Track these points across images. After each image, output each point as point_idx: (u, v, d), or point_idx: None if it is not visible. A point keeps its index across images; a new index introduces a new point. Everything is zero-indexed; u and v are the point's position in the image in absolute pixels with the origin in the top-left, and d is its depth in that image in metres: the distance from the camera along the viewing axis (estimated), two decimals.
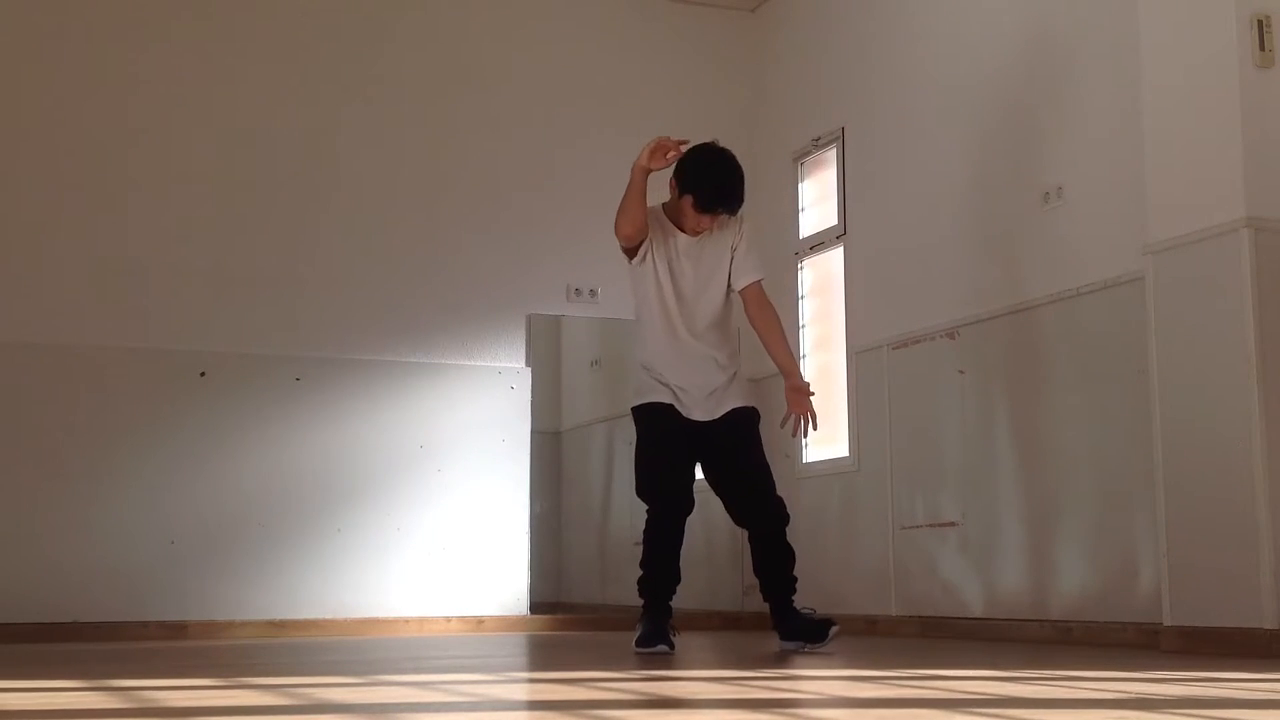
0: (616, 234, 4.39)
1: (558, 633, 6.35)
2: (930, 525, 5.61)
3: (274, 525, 6.22)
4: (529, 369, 6.74)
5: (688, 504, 4.38)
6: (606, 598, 8.36)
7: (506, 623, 6.44)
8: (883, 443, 5.93)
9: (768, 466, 4.42)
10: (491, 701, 2.79)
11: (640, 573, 4.42)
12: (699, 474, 4.50)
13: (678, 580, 4.42)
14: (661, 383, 4.38)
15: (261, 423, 6.27)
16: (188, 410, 6.17)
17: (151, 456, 6.09)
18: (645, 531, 4.40)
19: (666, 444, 4.36)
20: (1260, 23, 4.05)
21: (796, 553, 4.45)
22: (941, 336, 5.61)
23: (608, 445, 8.75)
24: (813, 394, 4.44)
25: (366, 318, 6.51)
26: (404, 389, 6.51)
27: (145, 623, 5.91)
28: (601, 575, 8.59)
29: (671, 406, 4.37)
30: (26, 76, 6.21)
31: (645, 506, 4.40)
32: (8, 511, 5.87)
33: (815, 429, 4.44)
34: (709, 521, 7.45)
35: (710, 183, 4.28)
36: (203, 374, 6.22)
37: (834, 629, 4.31)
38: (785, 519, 4.39)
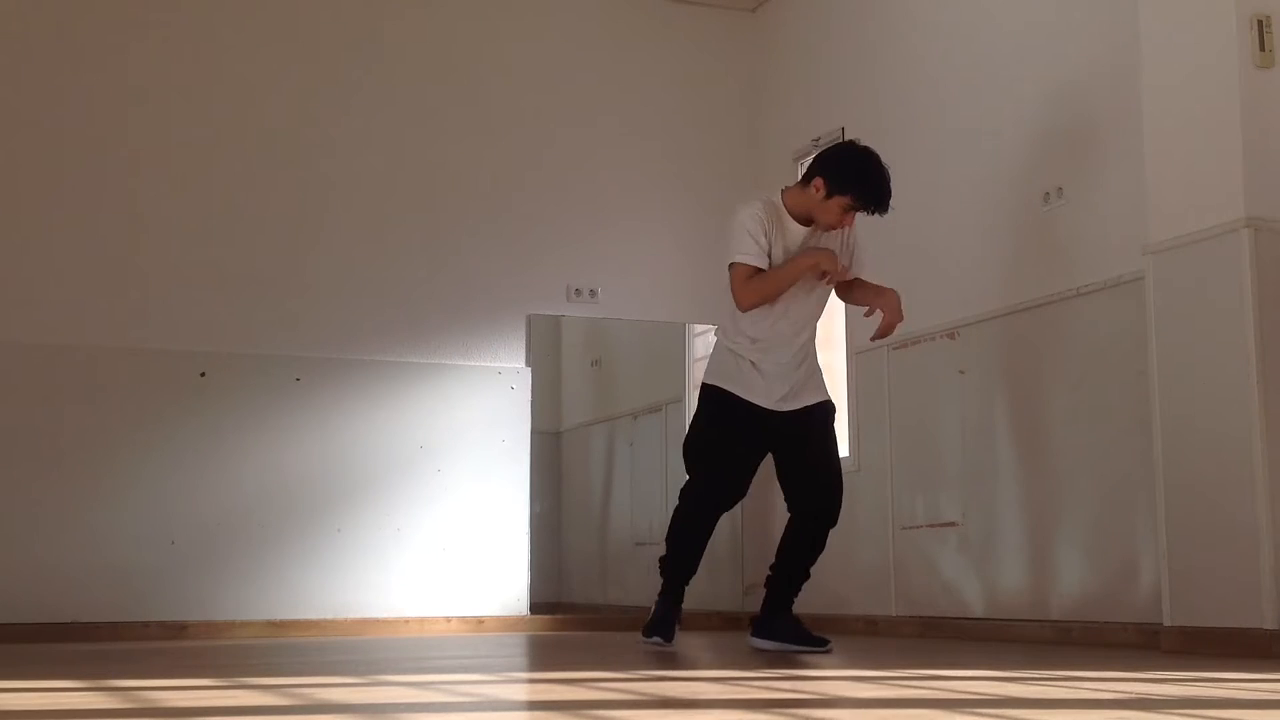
0: (740, 304, 4.34)
1: (558, 633, 6.35)
2: (930, 525, 5.61)
3: (274, 525, 6.22)
4: (529, 369, 6.74)
5: (735, 494, 4.45)
6: (607, 598, 8.36)
7: (507, 623, 6.44)
8: (883, 443, 5.93)
9: (839, 463, 4.47)
10: (491, 701, 2.79)
11: (664, 552, 4.51)
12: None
13: (694, 571, 4.48)
14: (753, 367, 4.38)
15: (261, 423, 6.27)
16: (188, 410, 6.17)
17: (152, 456, 6.09)
18: (678, 512, 4.46)
19: (732, 434, 4.41)
20: (1260, 23, 4.05)
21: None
22: (941, 336, 5.61)
23: (608, 445, 8.75)
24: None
25: (366, 318, 6.50)
26: (404, 389, 6.51)
27: (145, 623, 5.91)
28: (601, 575, 8.59)
29: (746, 401, 4.38)
30: (26, 77, 6.20)
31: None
32: (8, 511, 5.86)
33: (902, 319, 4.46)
34: None
35: (873, 184, 4.30)
36: (203, 374, 6.22)
37: (829, 645, 4.36)
38: (836, 520, 4.43)
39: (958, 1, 5.79)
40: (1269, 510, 3.86)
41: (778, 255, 4.37)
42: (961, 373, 5.49)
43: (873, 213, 4.35)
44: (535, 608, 6.65)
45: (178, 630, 5.94)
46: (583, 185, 6.95)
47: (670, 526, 4.51)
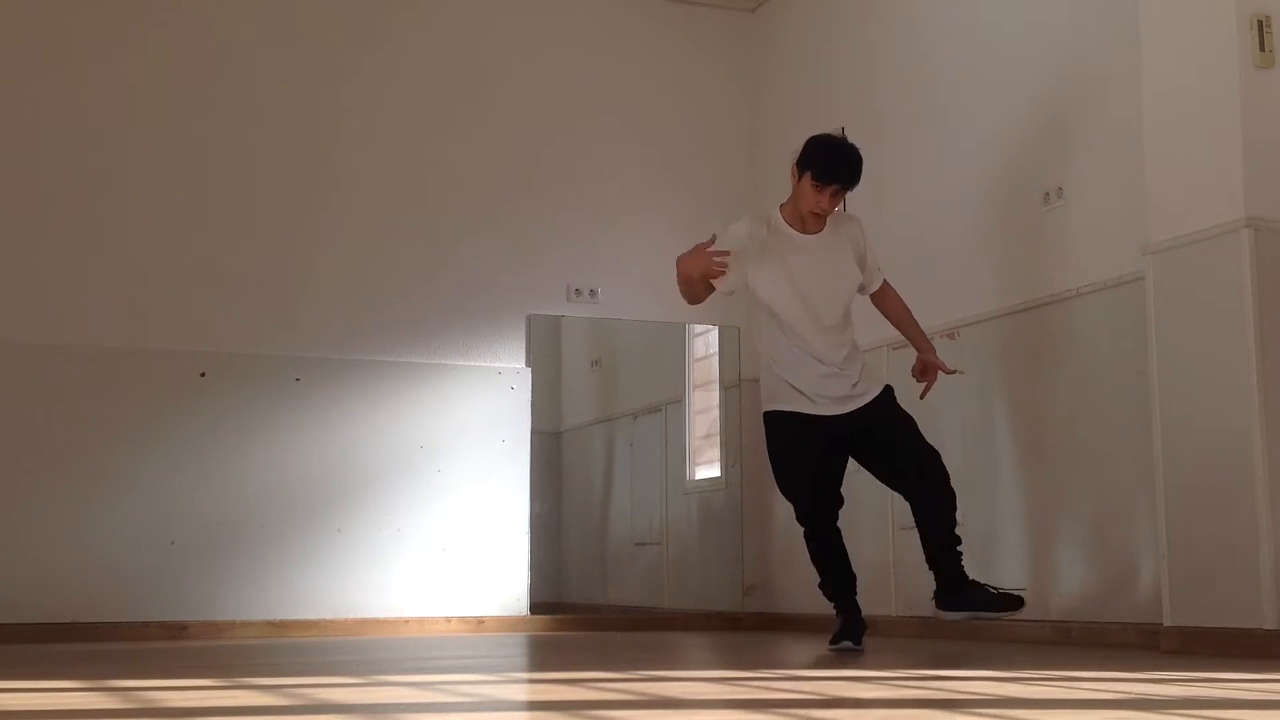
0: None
1: (558, 633, 6.35)
2: None
3: (274, 525, 6.22)
4: (529, 369, 6.74)
5: (834, 502, 4.53)
6: (607, 598, 8.37)
7: (506, 623, 6.44)
8: None
9: (917, 433, 4.50)
10: (491, 702, 2.79)
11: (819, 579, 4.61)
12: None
13: (853, 577, 4.60)
14: (793, 387, 4.46)
15: (261, 423, 6.27)
16: (188, 410, 6.17)
17: (152, 457, 6.09)
18: (805, 540, 4.56)
19: (796, 451, 4.49)
20: (1260, 23, 4.05)
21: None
22: (941, 336, 5.60)
23: (608, 445, 8.75)
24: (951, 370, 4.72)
25: (366, 318, 6.50)
26: (404, 389, 6.51)
27: (145, 623, 5.91)
28: (601, 575, 8.59)
29: (799, 413, 4.45)
30: (27, 76, 6.20)
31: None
32: (8, 512, 5.86)
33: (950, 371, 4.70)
34: (708, 521, 7.46)
35: (829, 155, 4.41)
36: (203, 374, 6.22)
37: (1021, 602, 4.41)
38: (943, 474, 4.47)
39: (958, 2, 5.79)
40: (1269, 510, 3.85)
41: (766, 257, 4.47)
42: (961, 373, 5.49)
43: (838, 185, 4.40)
44: (535, 608, 6.64)
45: (178, 630, 5.94)
46: (583, 185, 6.94)
47: (812, 561, 4.61)
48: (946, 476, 4.45)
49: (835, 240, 4.52)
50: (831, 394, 4.44)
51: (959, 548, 4.41)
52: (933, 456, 4.45)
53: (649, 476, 8.03)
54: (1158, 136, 4.31)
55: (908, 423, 4.51)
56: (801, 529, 4.58)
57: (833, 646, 4.46)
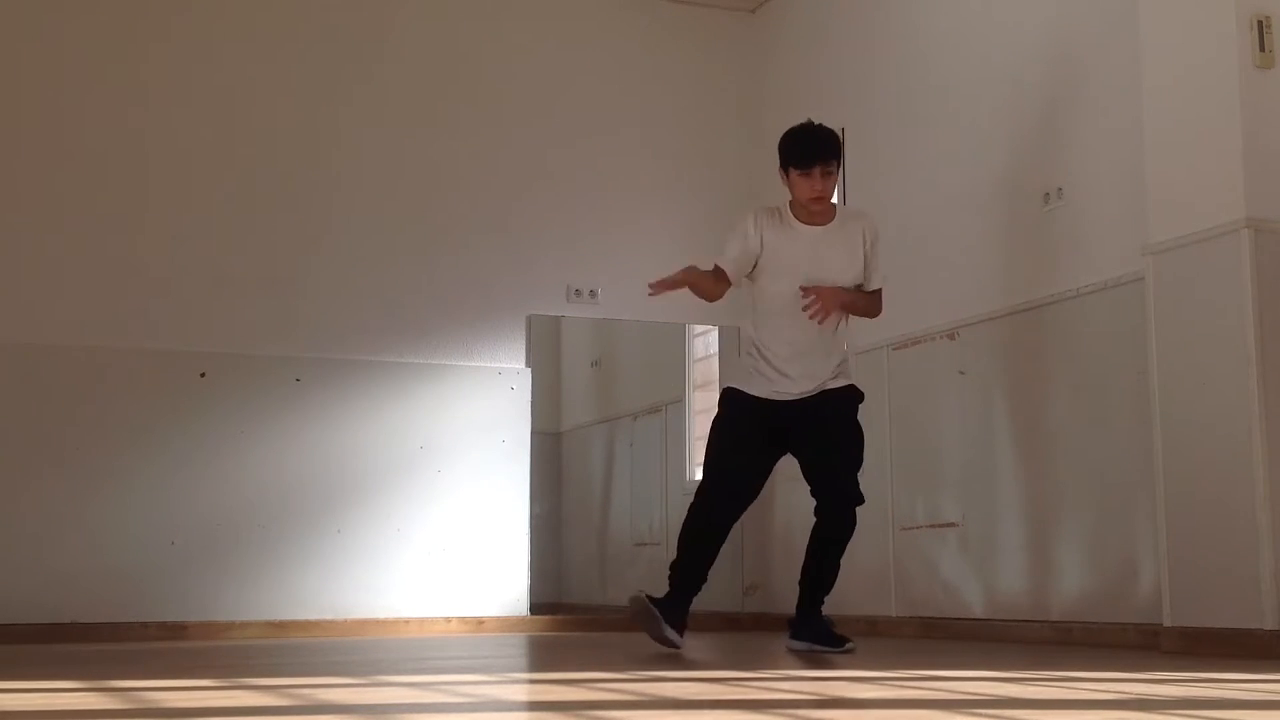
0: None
1: (558, 633, 6.35)
2: (930, 526, 5.61)
3: (274, 526, 6.22)
4: (529, 369, 6.74)
5: (754, 494, 4.53)
6: (606, 598, 8.36)
7: (507, 623, 6.44)
8: (883, 443, 5.92)
9: (858, 467, 4.55)
10: (491, 702, 2.79)
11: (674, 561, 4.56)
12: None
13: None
14: (763, 372, 4.46)
15: (261, 423, 6.26)
16: (188, 411, 6.16)
17: (152, 457, 6.09)
18: (701, 516, 4.46)
19: (742, 425, 4.48)
20: (1260, 23, 4.05)
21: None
22: (941, 337, 5.61)
23: (608, 446, 8.75)
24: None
25: (366, 318, 6.50)
26: (404, 390, 6.51)
27: (145, 623, 5.91)
28: (601, 576, 8.59)
29: (755, 396, 4.47)
30: (28, 77, 6.20)
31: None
32: (8, 511, 5.86)
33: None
34: None
35: (799, 140, 4.45)
36: (203, 374, 6.22)
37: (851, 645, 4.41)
38: (861, 500, 4.54)
39: (957, 2, 5.79)
40: (1269, 510, 3.86)
41: (773, 246, 4.47)
42: (961, 373, 5.49)
43: (819, 164, 4.39)
44: (535, 608, 6.64)
45: (178, 630, 5.94)
46: (583, 185, 6.94)
47: (680, 545, 4.55)
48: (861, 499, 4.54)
49: (840, 235, 4.51)
50: (795, 375, 4.44)
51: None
52: (858, 489, 4.52)
53: (649, 476, 8.03)
54: (1158, 137, 4.31)
55: (858, 436, 4.54)
56: (703, 506, 4.44)
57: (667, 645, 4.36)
